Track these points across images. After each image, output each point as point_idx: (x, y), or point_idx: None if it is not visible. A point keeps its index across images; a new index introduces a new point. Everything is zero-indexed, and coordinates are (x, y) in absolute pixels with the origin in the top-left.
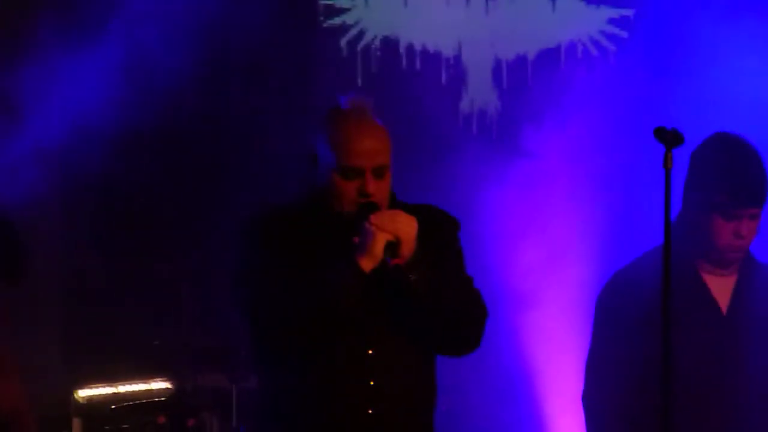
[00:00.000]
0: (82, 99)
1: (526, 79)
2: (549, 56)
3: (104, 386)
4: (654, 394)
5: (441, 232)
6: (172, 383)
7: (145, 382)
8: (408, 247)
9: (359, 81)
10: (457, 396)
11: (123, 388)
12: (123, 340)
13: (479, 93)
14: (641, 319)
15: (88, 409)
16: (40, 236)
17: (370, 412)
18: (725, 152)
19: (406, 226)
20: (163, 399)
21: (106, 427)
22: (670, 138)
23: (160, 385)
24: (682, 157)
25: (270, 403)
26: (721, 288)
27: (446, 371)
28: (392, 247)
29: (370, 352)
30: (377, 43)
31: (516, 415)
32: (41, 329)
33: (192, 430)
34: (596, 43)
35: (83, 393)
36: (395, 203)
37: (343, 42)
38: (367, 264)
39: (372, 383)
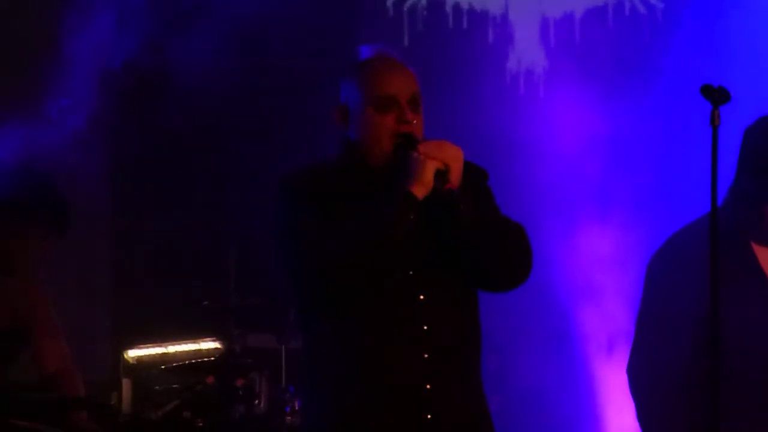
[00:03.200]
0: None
1: (574, 37)
2: (596, 14)
3: (153, 347)
4: (702, 363)
5: (472, 182)
6: (221, 344)
7: (194, 343)
8: (457, 174)
9: (406, 41)
10: (507, 358)
11: (172, 349)
12: (172, 301)
13: (526, 52)
14: (692, 289)
15: (137, 369)
16: (89, 199)
17: (425, 356)
18: None
19: (454, 153)
20: (212, 359)
21: (156, 387)
22: (717, 95)
23: (209, 345)
24: (729, 116)
25: (320, 360)
26: None
27: (494, 332)
28: (442, 174)
29: (422, 297)
30: (424, 2)
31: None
32: (91, 291)
33: (241, 390)
34: (644, 1)
35: (132, 353)
36: None
37: (390, 2)
38: (419, 191)
39: (425, 327)
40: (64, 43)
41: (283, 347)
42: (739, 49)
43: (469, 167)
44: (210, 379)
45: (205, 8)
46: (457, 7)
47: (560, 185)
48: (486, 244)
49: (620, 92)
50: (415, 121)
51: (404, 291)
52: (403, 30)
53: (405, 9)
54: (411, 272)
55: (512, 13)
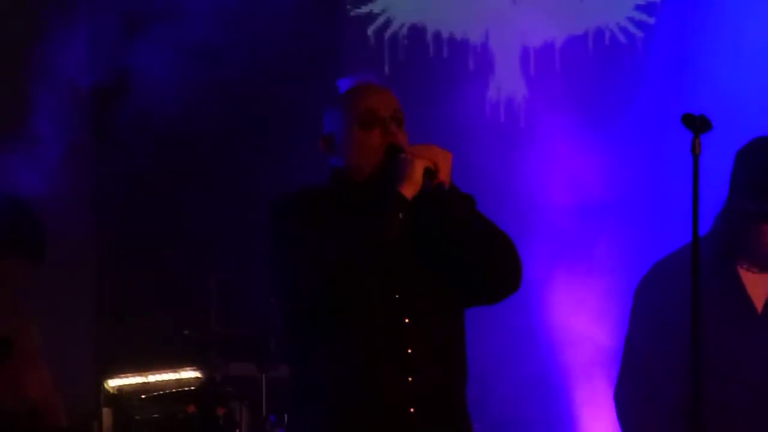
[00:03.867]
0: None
1: (554, 66)
2: (576, 43)
3: (134, 376)
4: (687, 390)
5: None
6: (201, 373)
7: (175, 372)
8: (446, 172)
9: (386, 69)
10: (488, 386)
11: (153, 378)
12: (153, 331)
13: (507, 81)
14: (678, 313)
15: (118, 398)
16: (69, 226)
17: (409, 380)
18: None
19: (442, 153)
20: (192, 388)
21: (136, 417)
22: (697, 124)
23: (189, 374)
24: (709, 144)
25: (305, 386)
26: (758, 286)
27: (476, 360)
28: (431, 172)
29: (407, 320)
30: (404, 31)
31: (546, 408)
32: (71, 320)
33: (222, 419)
34: (624, 30)
35: (113, 383)
36: None
37: (370, 31)
38: (408, 191)
39: (409, 351)
40: (35, 67)
41: (264, 376)
42: (720, 77)
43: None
44: (191, 409)
45: (180, 37)
46: (437, 36)
47: (540, 215)
48: (478, 246)
49: (601, 121)
50: (398, 135)
51: (390, 314)
52: (383, 58)
53: (386, 37)
54: (397, 296)
55: (492, 42)
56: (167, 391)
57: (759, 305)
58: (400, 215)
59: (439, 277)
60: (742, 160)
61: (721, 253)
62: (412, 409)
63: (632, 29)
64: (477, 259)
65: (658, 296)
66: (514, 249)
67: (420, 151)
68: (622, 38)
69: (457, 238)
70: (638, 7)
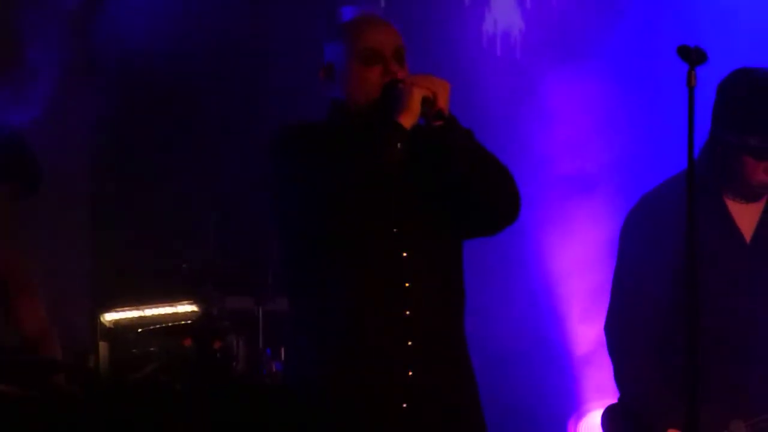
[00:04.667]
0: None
1: (552, 2)
2: None
3: (130, 310)
4: (678, 320)
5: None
6: (198, 306)
7: (172, 306)
8: (444, 101)
9: (382, 2)
10: (487, 321)
11: (149, 312)
12: (149, 264)
13: (503, 14)
14: (667, 243)
15: (114, 332)
16: (64, 159)
17: (407, 313)
18: (755, 93)
19: (441, 82)
20: (189, 322)
21: (133, 351)
22: (693, 56)
23: (186, 308)
24: (706, 77)
25: (303, 320)
26: (745, 216)
27: (474, 295)
28: (429, 102)
29: (405, 254)
30: None
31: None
32: (68, 253)
33: (218, 352)
34: None
35: (109, 317)
36: None
37: None
38: (406, 120)
39: (407, 285)
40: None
41: (261, 309)
42: (718, 11)
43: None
44: (187, 342)
45: None
46: None
47: (536, 148)
48: (478, 174)
49: (597, 54)
50: (399, 73)
51: (388, 248)
52: None
53: None
54: (395, 229)
55: None
56: (164, 325)
57: (747, 235)
58: (399, 144)
59: (438, 209)
60: (722, 92)
61: (707, 185)
62: (410, 342)
63: None
64: (476, 188)
65: (646, 228)
66: (512, 179)
67: (418, 81)
68: None
69: (456, 167)
70: None
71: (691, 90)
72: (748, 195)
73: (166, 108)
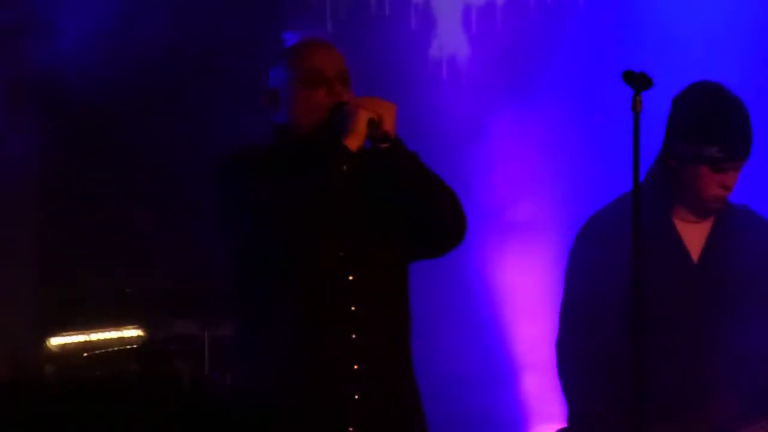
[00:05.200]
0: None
1: (496, 24)
2: (518, 3)
3: (76, 334)
4: (626, 339)
5: None
6: (144, 331)
7: (117, 330)
8: (390, 123)
9: (329, 27)
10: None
11: (95, 336)
12: (95, 288)
13: (449, 39)
14: (614, 264)
15: (60, 356)
16: (12, 182)
17: (353, 337)
18: (714, 104)
19: (386, 104)
20: (135, 347)
21: (79, 375)
22: (638, 81)
23: (132, 332)
24: (651, 101)
25: (248, 343)
26: (693, 236)
27: (420, 316)
28: (374, 124)
29: (351, 278)
30: None
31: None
32: (13, 276)
33: (164, 377)
34: None
35: (55, 341)
36: None
37: None
38: (352, 142)
39: (353, 308)
40: None
41: (207, 334)
42: (660, 37)
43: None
44: (133, 367)
45: None
46: None
47: (480, 173)
48: (424, 196)
49: (542, 78)
50: (345, 95)
51: (334, 271)
52: (325, 16)
53: None
54: (341, 253)
55: (434, 1)
56: (110, 350)
57: (695, 254)
58: (344, 167)
59: (384, 231)
60: (679, 104)
61: (655, 204)
62: (356, 366)
63: None
64: (422, 210)
65: (594, 248)
66: (457, 200)
67: (363, 103)
68: None
69: (402, 188)
70: None
71: (636, 115)
72: (699, 211)
73: (110, 129)
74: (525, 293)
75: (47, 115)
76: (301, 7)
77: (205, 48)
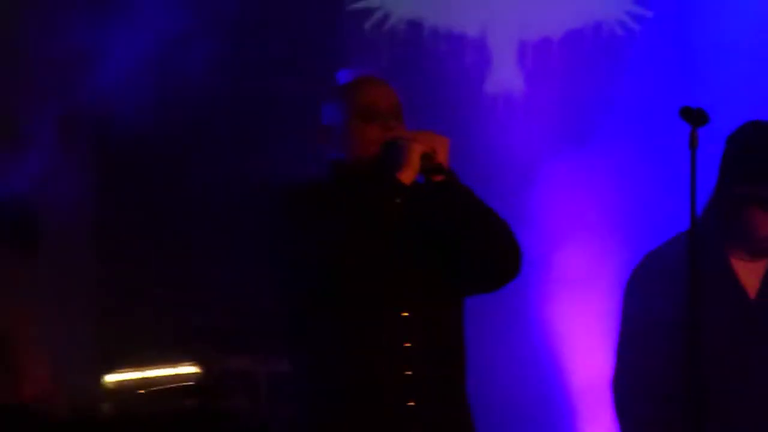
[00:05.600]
0: (114, 78)
1: (552, 61)
2: (574, 37)
3: (133, 371)
4: (683, 377)
5: None
6: (200, 367)
7: (174, 367)
8: (444, 156)
9: (384, 63)
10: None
11: (152, 373)
12: (151, 325)
13: (504, 75)
14: (671, 302)
15: (116, 393)
16: (68, 220)
17: (408, 374)
18: (766, 143)
19: (440, 138)
20: (191, 383)
21: (136, 412)
22: (695, 117)
23: (188, 369)
24: (709, 137)
25: (304, 382)
26: (750, 274)
27: (476, 351)
28: (428, 157)
29: (405, 314)
30: (402, 26)
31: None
32: (71, 314)
33: (222, 413)
34: (622, 24)
35: (112, 378)
36: None
37: (368, 25)
38: (405, 176)
39: (408, 345)
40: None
41: (263, 370)
42: (718, 71)
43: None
44: (190, 403)
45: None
46: (435, 31)
47: (537, 210)
48: (480, 230)
49: (599, 115)
50: (399, 129)
51: (388, 308)
52: (381, 53)
53: (383, 31)
54: (396, 290)
55: (490, 37)
56: (166, 386)
57: (752, 292)
58: (398, 200)
59: (439, 267)
60: (733, 143)
61: (712, 241)
62: (411, 402)
63: (630, 23)
64: (478, 244)
65: (651, 287)
66: (512, 234)
67: (417, 137)
68: (620, 32)
69: (457, 222)
70: (637, 1)
71: (693, 151)
72: (754, 251)
73: (164, 166)
74: (581, 332)
75: (100, 149)
76: (356, 43)
77: (262, 86)
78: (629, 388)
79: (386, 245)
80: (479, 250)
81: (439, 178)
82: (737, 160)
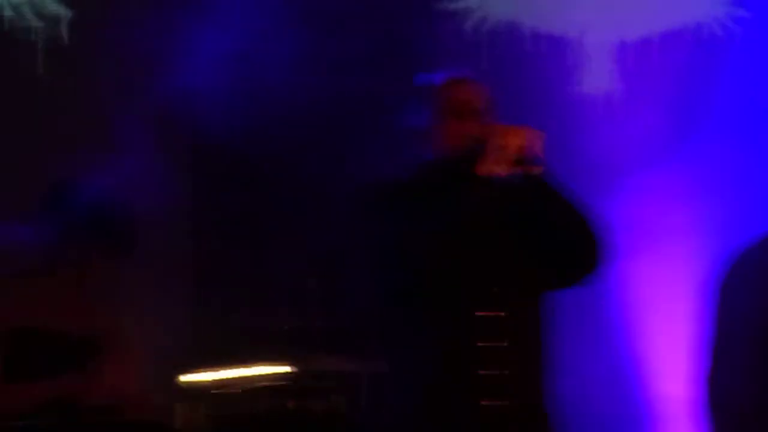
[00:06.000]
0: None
1: (652, 61)
2: (674, 38)
3: (229, 370)
4: None
5: None
6: (298, 367)
7: (273, 366)
8: (538, 149)
9: (484, 63)
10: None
11: (249, 372)
12: (249, 324)
13: (604, 76)
14: (765, 297)
15: (214, 392)
16: (166, 220)
17: (506, 373)
18: None
19: (534, 131)
20: (290, 383)
21: (235, 412)
22: None
23: (286, 369)
24: None
25: (398, 382)
26: None
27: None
28: (523, 150)
29: (499, 313)
30: (502, 26)
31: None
32: (166, 314)
33: (320, 414)
34: (722, 24)
35: (206, 377)
36: None
37: (468, 26)
38: (501, 171)
39: (506, 343)
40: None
41: (362, 370)
42: None
43: None
44: (289, 404)
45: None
46: (535, 31)
47: (633, 210)
48: (571, 223)
49: (698, 117)
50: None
51: (484, 307)
52: (481, 53)
53: (484, 32)
54: (492, 289)
55: (589, 37)
56: (264, 386)
57: None
58: (490, 194)
59: (525, 263)
60: None
61: None
62: (506, 401)
63: (730, 24)
64: (568, 241)
65: (752, 279)
66: (601, 234)
67: (510, 129)
68: (720, 33)
69: (549, 217)
70: (736, 1)
71: None
72: None
73: (264, 168)
74: (665, 336)
75: (193, 150)
76: (456, 45)
77: (363, 88)
78: (727, 384)
79: (478, 242)
80: (567, 247)
81: (534, 170)
82: None
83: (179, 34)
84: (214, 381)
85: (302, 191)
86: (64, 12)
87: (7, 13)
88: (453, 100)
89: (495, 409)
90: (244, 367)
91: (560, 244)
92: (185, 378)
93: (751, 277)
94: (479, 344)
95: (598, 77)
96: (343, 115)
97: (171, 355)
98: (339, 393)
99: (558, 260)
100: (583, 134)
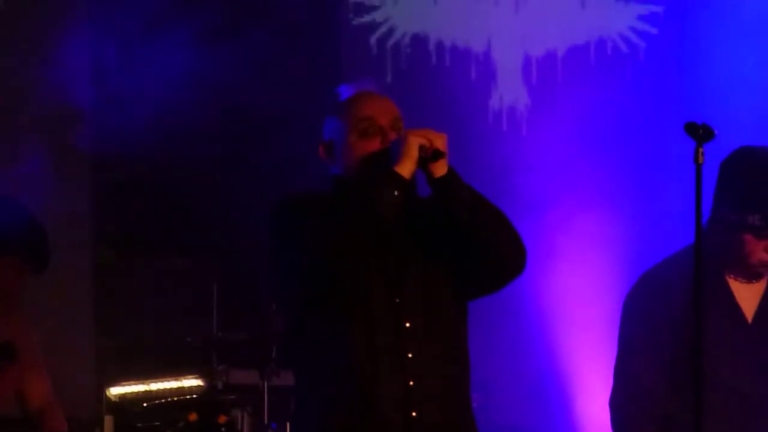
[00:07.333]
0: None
1: (556, 75)
2: (578, 53)
3: (136, 384)
4: (682, 397)
5: None
6: (203, 380)
7: (177, 380)
8: (442, 147)
9: (389, 77)
10: (489, 394)
11: (154, 386)
12: (154, 338)
13: (509, 89)
14: (669, 321)
15: (120, 406)
16: (70, 232)
17: (411, 384)
18: (757, 172)
19: (437, 133)
20: (194, 396)
21: (138, 425)
22: (701, 133)
23: (191, 382)
24: (713, 154)
25: (306, 394)
26: (747, 295)
27: (479, 367)
28: (425, 149)
29: (407, 325)
30: (407, 40)
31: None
32: (72, 328)
33: (223, 427)
34: (626, 40)
35: (115, 390)
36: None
37: (373, 40)
38: (404, 169)
39: (410, 355)
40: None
41: (266, 383)
42: (722, 87)
43: None
44: (192, 417)
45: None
46: (440, 45)
47: (540, 223)
48: (483, 223)
49: (602, 130)
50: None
51: (389, 317)
52: (386, 67)
53: (388, 46)
54: (397, 300)
55: (495, 51)
56: (169, 399)
57: (749, 314)
58: (396, 193)
59: (441, 269)
60: (724, 170)
61: (709, 263)
62: (414, 413)
63: (634, 39)
64: (482, 241)
65: (647, 308)
66: (517, 232)
67: (415, 131)
68: (624, 48)
69: (461, 218)
70: (641, 17)
71: (699, 167)
72: (749, 274)
73: (164, 179)
74: (582, 343)
75: (103, 165)
76: (360, 59)
77: (268, 100)
78: (625, 407)
79: (384, 242)
80: (484, 247)
81: (439, 171)
82: (728, 186)
83: (87, 52)
84: (130, 394)
85: (207, 202)
86: None
87: None
88: (359, 117)
89: (407, 421)
90: (148, 381)
91: (475, 243)
92: (114, 391)
93: (650, 303)
94: (383, 355)
95: (503, 90)
96: (249, 126)
97: (79, 369)
98: (242, 406)
99: (475, 260)
100: (489, 146)
